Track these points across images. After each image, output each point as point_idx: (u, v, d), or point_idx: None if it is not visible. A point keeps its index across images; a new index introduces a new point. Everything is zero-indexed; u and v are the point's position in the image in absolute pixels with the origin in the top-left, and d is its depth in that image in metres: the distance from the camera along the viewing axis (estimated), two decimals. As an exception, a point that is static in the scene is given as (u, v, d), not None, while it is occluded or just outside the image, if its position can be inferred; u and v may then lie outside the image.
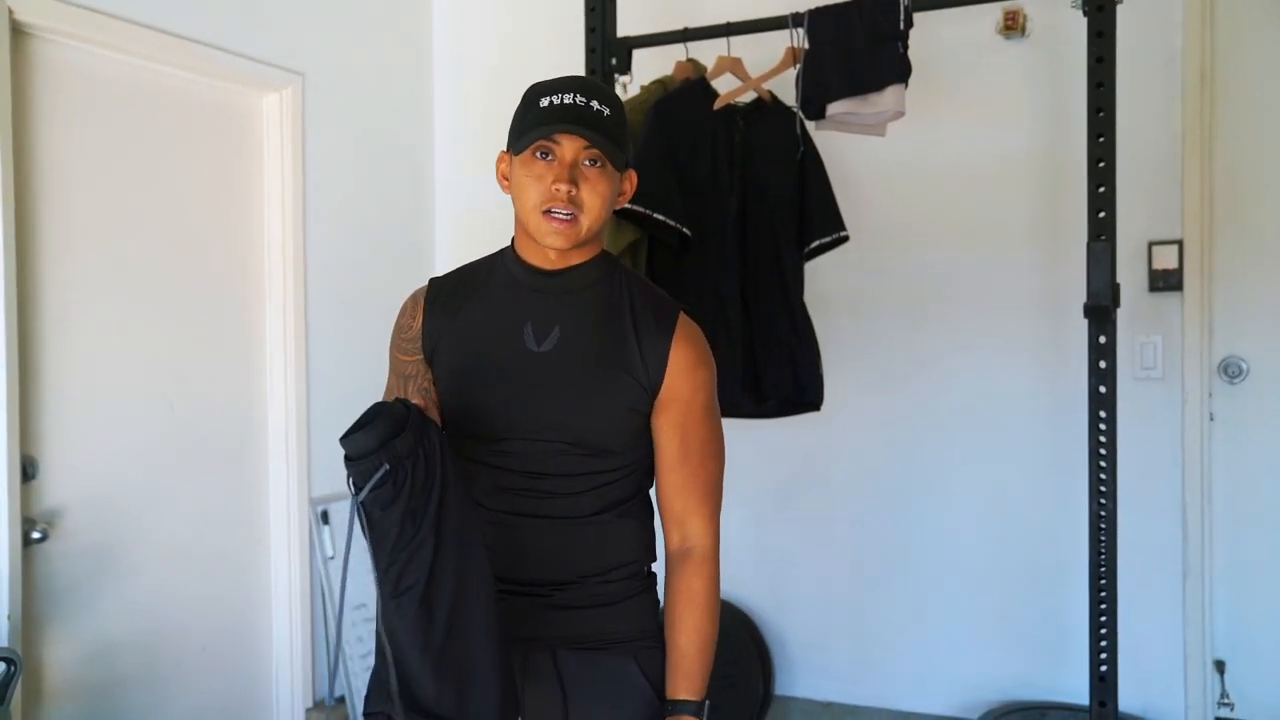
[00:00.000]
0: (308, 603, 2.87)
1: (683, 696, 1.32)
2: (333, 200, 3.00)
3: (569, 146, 1.27)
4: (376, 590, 1.16)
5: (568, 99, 1.27)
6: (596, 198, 1.28)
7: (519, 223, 1.33)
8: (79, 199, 2.32)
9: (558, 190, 1.25)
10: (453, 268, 1.45)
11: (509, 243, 1.41)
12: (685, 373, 1.33)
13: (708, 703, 1.33)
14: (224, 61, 2.63)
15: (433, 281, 1.43)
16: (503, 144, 1.36)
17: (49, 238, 2.25)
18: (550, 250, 1.32)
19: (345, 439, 1.12)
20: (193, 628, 2.59)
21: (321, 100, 2.94)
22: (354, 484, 1.11)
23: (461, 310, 1.37)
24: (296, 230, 2.85)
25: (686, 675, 1.33)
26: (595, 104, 1.27)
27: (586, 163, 1.28)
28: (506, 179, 1.35)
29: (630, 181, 1.37)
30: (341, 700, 2.89)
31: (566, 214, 1.26)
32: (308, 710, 2.86)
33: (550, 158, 1.27)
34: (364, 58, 3.17)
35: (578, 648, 1.33)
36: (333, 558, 2.89)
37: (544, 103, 1.27)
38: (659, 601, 1.43)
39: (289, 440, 2.84)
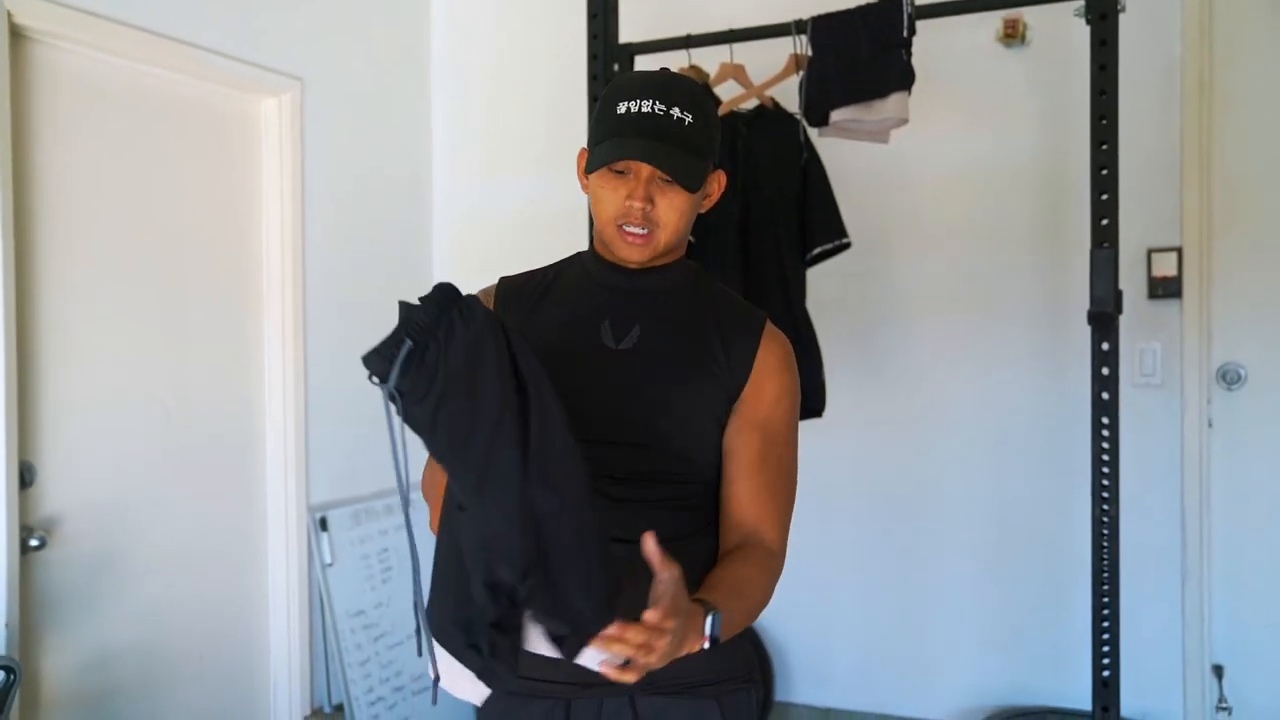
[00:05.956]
0: (306, 610, 2.85)
1: (710, 599, 1.10)
2: (331, 205, 2.98)
3: (644, 163, 1.20)
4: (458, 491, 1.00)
5: (645, 107, 1.19)
6: (674, 212, 1.23)
7: (597, 227, 1.29)
8: (77, 204, 2.31)
9: (631, 207, 1.20)
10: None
11: (587, 246, 1.35)
12: (770, 375, 1.27)
13: (721, 617, 1.10)
14: (223, 66, 2.62)
15: (503, 279, 1.35)
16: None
17: (47, 242, 2.23)
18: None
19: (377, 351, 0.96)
20: (191, 635, 2.57)
21: (320, 105, 2.93)
22: (376, 371, 0.94)
23: (538, 307, 1.30)
24: (295, 235, 2.83)
25: (720, 591, 1.13)
26: (676, 111, 1.19)
27: (662, 179, 1.21)
28: (585, 178, 1.29)
29: (719, 182, 1.31)
30: (340, 708, 2.87)
31: (641, 230, 1.22)
32: (305, 718, 2.84)
33: (626, 173, 1.22)
34: (363, 63, 3.16)
35: (659, 692, 1.21)
36: (331, 564, 2.88)
37: (621, 109, 1.20)
38: (742, 635, 1.29)
39: (287, 447, 2.82)
